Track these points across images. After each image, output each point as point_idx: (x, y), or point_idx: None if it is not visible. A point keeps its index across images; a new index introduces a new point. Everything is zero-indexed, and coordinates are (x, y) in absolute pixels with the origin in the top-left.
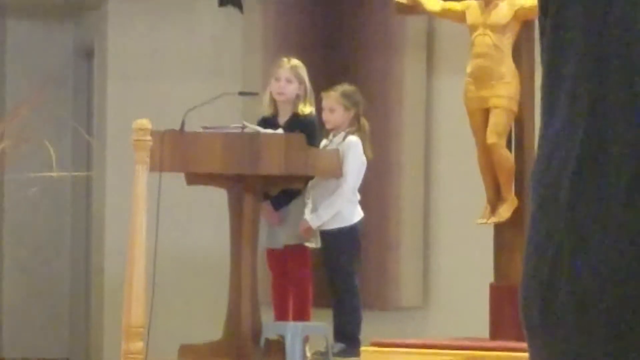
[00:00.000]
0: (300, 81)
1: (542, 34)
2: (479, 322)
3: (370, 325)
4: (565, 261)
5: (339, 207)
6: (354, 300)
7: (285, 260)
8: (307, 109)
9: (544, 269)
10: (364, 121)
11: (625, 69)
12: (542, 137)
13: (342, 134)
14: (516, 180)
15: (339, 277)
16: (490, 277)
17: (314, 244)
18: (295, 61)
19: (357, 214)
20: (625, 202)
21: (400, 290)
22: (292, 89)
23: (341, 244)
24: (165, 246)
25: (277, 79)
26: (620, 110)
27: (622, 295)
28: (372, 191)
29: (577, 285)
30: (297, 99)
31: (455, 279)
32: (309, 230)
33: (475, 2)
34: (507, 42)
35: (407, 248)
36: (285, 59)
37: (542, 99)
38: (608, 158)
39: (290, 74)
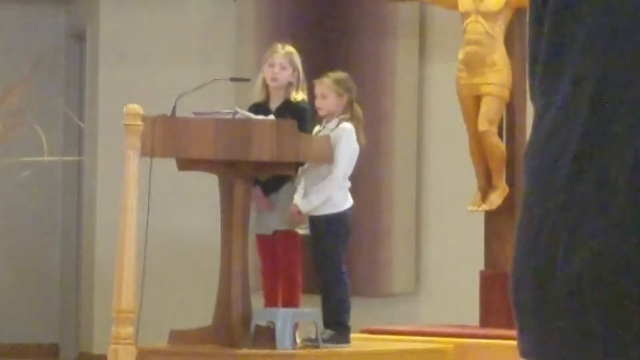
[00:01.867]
0: (294, 68)
1: (538, 18)
2: (470, 309)
3: (361, 312)
4: (561, 246)
5: (329, 193)
6: (342, 287)
7: (275, 246)
8: (299, 95)
9: (538, 253)
10: (357, 108)
11: (632, 53)
12: (540, 115)
13: (336, 120)
14: (507, 167)
15: (326, 264)
16: (481, 264)
17: (304, 229)
18: (289, 47)
19: (347, 201)
20: (627, 189)
21: (391, 277)
22: (286, 75)
23: (330, 231)
24: (156, 231)
25: (271, 65)
26: (626, 96)
27: (621, 282)
28: (363, 177)
29: (574, 270)
30: (290, 85)
31: (446, 266)
32: (298, 214)
33: None
34: (499, 29)
35: (398, 234)
36: (279, 45)
37: (540, 81)
38: (611, 143)
39: (285, 60)
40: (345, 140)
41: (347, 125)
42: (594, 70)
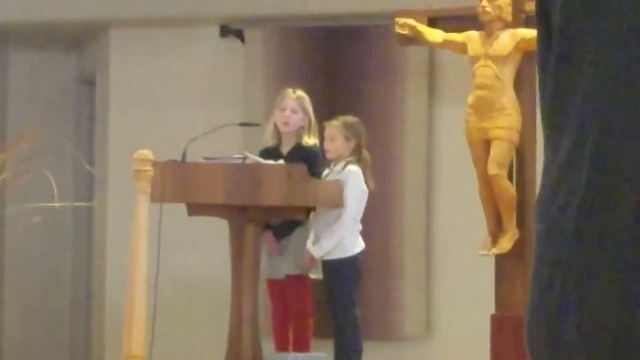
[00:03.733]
0: (305, 112)
1: (544, 65)
2: (480, 352)
3: (372, 355)
4: (572, 294)
5: (340, 237)
6: (355, 331)
7: (286, 290)
8: (311, 140)
9: (551, 301)
10: (365, 152)
11: (633, 100)
12: (548, 167)
13: (342, 163)
14: (517, 211)
15: (339, 308)
16: (491, 308)
17: (316, 274)
18: (300, 92)
19: (358, 245)
20: (632, 234)
21: (402, 320)
22: (297, 119)
23: (342, 275)
24: (166, 276)
25: (282, 109)
26: (628, 144)
27: (631, 329)
28: (374, 220)
29: (585, 317)
30: (301, 129)
31: (457, 309)
32: (312, 260)
33: (476, 33)
34: (508, 73)
35: (409, 277)
36: (290, 90)
37: (548, 129)
38: (614, 189)
39: (296, 105)
40: (352, 183)
41: (354, 168)
42: (596, 119)
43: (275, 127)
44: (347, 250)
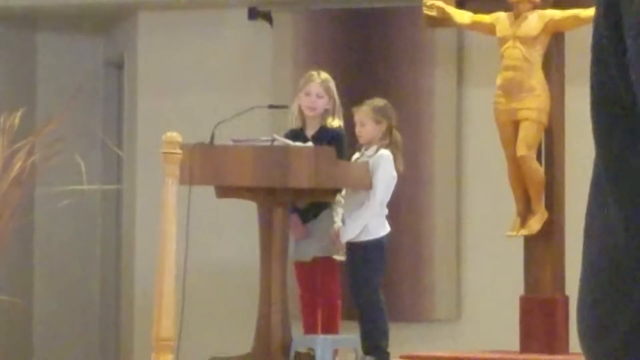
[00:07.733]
0: (330, 95)
1: None
2: (510, 334)
3: (402, 337)
4: None
5: (366, 220)
6: (378, 314)
7: (314, 273)
8: (335, 122)
9: None
10: (396, 134)
11: None
12: None
13: (374, 147)
14: (546, 192)
15: (362, 290)
16: (521, 289)
17: (342, 256)
18: (325, 75)
19: (383, 229)
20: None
21: (432, 303)
22: (323, 103)
23: (366, 258)
24: (195, 259)
25: (308, 94)
26: None
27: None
28: (404, 204)
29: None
30: (326, 112)
31: (487, 292)
32: (337, 238)
33: (504, 14)
34: (537, 54)
35: (439, 260)
36: (315, 73)
37: None
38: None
39: (321, 89)
40: (383, 167)
41: (385, 153)
42: None
43: (300, 109)
44: (371, 233)
